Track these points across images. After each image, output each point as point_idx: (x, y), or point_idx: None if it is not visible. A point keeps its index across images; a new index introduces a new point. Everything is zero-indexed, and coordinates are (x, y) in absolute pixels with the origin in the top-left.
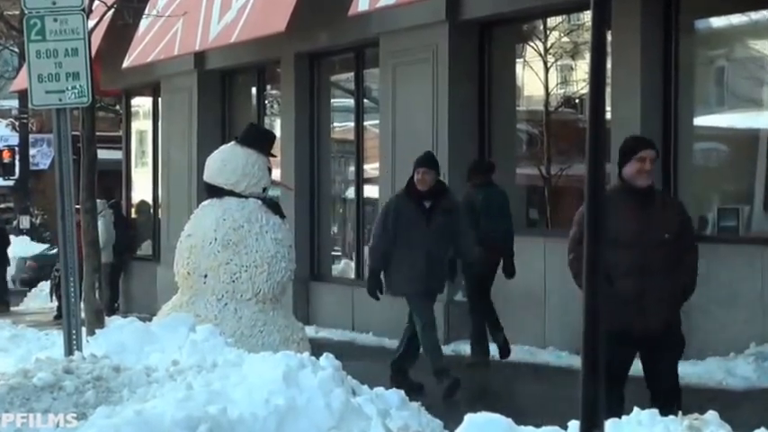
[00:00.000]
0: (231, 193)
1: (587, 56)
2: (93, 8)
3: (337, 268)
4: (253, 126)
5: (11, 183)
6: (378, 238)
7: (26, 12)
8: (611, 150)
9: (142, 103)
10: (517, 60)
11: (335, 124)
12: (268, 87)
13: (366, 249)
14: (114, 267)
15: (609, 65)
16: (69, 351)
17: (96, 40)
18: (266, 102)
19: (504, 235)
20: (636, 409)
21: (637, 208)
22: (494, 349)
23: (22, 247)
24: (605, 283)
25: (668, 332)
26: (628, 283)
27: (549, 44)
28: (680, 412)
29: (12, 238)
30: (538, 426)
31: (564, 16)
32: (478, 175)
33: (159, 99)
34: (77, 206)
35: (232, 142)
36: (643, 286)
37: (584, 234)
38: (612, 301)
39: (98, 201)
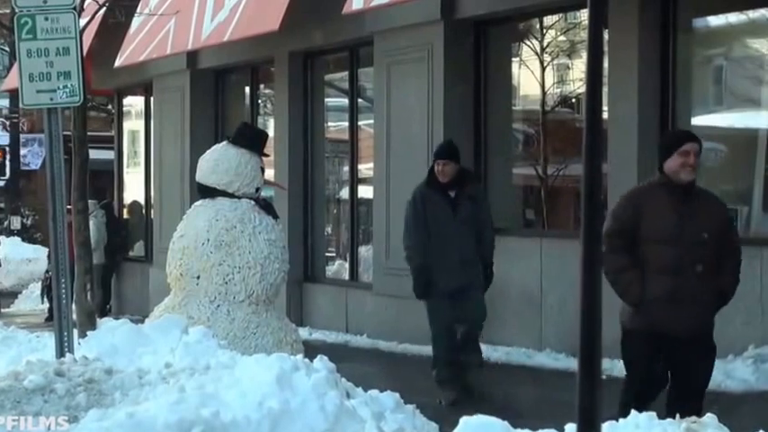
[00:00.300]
0: (224, 194)
1: (584, 55)
2: (85, 6)
3: (331, 269)
4: (245, 125)
5: (1, 183)
6: (413, 232)
7: (17, 10)
8: (608, 150)
9: (134, 103)
10: (513, 59)
11: (329, 124)
12: (261, 87)
13: (361, 250)
14: (106, 269)
15: (606, 64)
16: (61, 353)
17: (88, 38)
18: (260, 101)
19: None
20: (633, 412)
21: (676, 204)
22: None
23: (13, 248)
24: (639, 281)
25: (700, 338)
26: (661, 281)
27: (545, 43)
28: (677, 415)
29: (2, 238)
30: (534, 429)
31: (560, 15)
32: None
33: (151, 98)
34: (69, 207)
35: (224, 142)
36: (677, 286)
37: (620, 228)
38: (645, 300)
39: (89, 201)
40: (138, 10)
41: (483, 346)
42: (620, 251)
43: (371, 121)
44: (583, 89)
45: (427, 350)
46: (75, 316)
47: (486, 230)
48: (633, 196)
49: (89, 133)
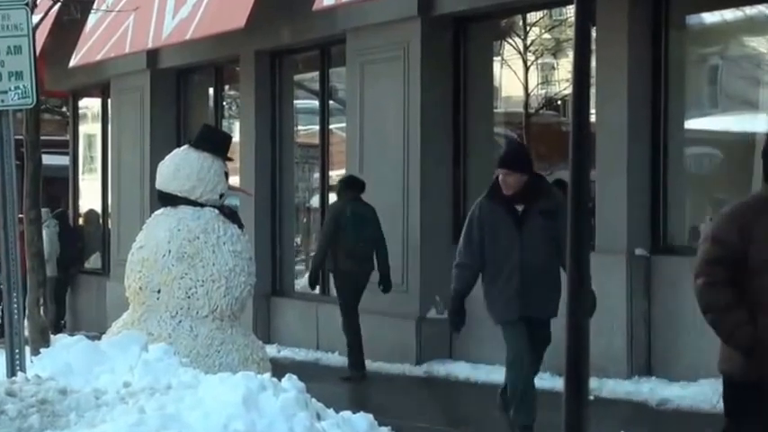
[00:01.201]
0: (186, 201)
1: (570, 53)
2: (38, 2)
3: (301, 283)
4: (207, 128)
5: None
6: (462, 254)
7: None
8: (596, 155)
9: (91, 105)
10: (495, 59)
11: (299, 127)
12: (226, 87)
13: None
14: (60, 282)
15: (593, 63)
16: (12, 372)
17: (41, 36)
18: (224, 103)
19: (376, 248)
20: None
21: None
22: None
23: None
24: (748, 320)
25: None
26: None
27: (529, 41)
28: None
29: None
30: None
31: (545, 11)
32: (352, 191)
33: (109, 100)
34: (21, 216)
35: (185, 146)
36: None
37: (723, 255)
38: (757, 344)
39: (42, 210)
40: (95, 6)
41: (464, 365)
42: (724, 284)
43: (344, 125)
44: (569, 90)
45: (403, 368)
46: (27, 332)
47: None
48: (738, 215)
49: (42, 137)
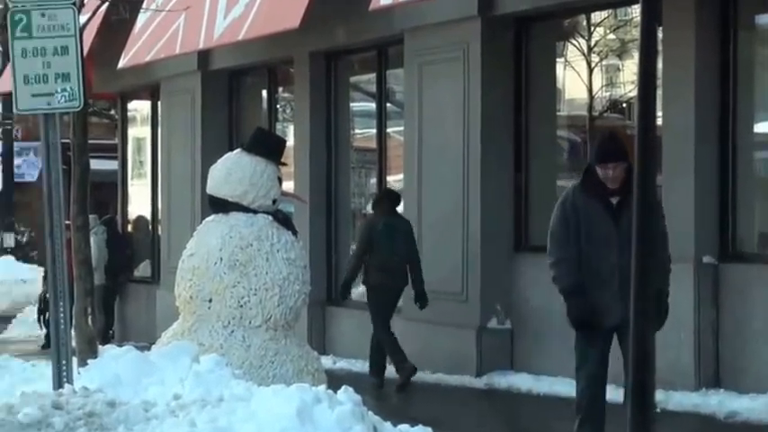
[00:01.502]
0: (238, 207)
1: (635, 54)
2: (86, 2)
3: (357, 291)
4: (260, 131)
5: None
6: (562, 244)
7: (10, 5)
8: (662, 158)
9: (140, 108)
10: (558, 60)
11: (355, 131)
12: (280, 89)
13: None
14: (108, 290)
15: (660, 65)
16: (59, 384)
17: (89, 37)
18: (278, 105)
19: (409, 263)
20: None
21: None
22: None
23: (6, 268)
24: None
25: None
26: None
27: (593, 42)
28: None
29: None
30: None
31: (610, 11)
32: (386, 204)
33: (159, 103)
34: (67, 222)
35: (238, 150)
36: None
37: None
38: None
39: (90, 216)
40: (144, 6)
41: (527, 377)
42: None
43: (401, 128)
44: (634, 92)
45: (462, 380)
46: (74, 343)
47: (659, 249)
48: None
49: (90, 141)
